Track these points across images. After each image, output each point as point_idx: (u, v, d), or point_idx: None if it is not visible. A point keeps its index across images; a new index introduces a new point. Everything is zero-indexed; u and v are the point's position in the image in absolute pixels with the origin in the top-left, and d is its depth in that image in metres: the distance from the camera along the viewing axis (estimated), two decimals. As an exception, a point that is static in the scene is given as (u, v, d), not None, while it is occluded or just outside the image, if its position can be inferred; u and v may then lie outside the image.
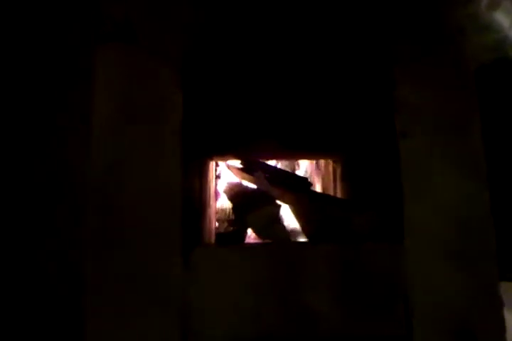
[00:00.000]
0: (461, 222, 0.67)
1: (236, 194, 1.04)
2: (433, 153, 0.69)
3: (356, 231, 0.75)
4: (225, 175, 1.41)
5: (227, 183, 1.27)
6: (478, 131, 0.69)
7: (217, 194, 1.38)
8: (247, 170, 1.15)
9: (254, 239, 1.01)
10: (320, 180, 1.42)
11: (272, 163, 1.33)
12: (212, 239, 1.06)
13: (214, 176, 1.33)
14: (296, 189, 0.96)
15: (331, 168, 1.26)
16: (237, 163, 1.25)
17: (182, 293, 0.65)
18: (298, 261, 0.67)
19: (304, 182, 1.16)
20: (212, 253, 0.70)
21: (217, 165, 1.40)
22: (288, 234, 0.87)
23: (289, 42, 0.74)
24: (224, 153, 1.10)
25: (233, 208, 1.01)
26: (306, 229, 0.93)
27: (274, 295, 0.66)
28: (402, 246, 0.67)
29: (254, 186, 1.11)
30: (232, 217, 0.99)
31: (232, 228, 0.87)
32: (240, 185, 1.19)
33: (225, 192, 1.19)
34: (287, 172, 1.28)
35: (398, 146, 0.69)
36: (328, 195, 1.10)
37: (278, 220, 0.85)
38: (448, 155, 0.69)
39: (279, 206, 0.88)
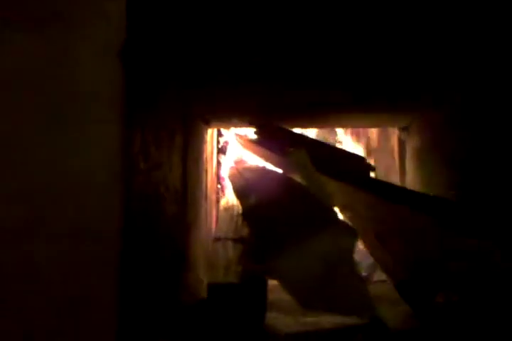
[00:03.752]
0: None
1: (249, 186, 0.56)
2: None
3: None
4: (233, 150, 0.94)
5: (235, 162, 0.80)
6: None
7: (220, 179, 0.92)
8: (268, 143, 0.68)
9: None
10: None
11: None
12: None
13: (215, 150, 0.86)
14: (365, 184, 0.48)
15: (394, 139, 0.79)
16: (250, 133, 0.78)
17: None
18: None
19: (362, 166, 0.68)
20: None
21: (220, 134, 0.93)
22: (373, 308, 0.38)
23: None
24: (224, 111, 0.62)
25: (244, 215, 0.52)
26: (401, 277, 0.45)
27: None
28: None
29: (280, 171, 0.64)
30: (241, 227, 0.52)
31: (244, 270, 0.40)
32: (255, 167, 0.72)
33: (230, 178, 0.73)
34: (335, 147, 0.79)
35: None
36: (455, 203, 0.51)
37: (351, 272, 0.37)
38: None
39: (354, 234, 0.38)
